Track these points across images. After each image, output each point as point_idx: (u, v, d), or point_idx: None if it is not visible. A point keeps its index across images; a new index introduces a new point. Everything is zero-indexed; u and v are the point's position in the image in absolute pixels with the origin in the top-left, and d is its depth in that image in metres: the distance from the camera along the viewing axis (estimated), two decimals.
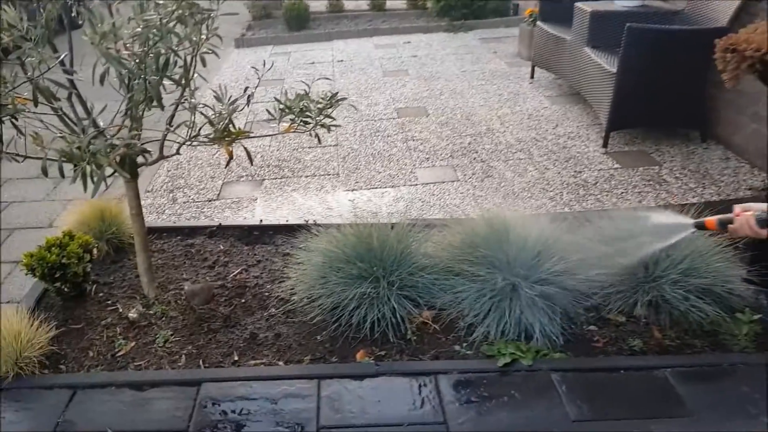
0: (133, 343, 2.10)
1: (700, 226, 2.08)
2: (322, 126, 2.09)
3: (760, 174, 3.64)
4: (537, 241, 2.37)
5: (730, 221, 1.94)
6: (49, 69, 1.53)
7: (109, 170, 1.51)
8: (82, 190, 1.62)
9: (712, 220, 2.03)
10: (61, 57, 1.60)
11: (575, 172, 3.83)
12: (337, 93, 2.12)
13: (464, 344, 2.16)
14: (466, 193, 3.59)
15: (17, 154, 1.72)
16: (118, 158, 1.45)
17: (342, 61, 6.61)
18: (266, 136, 2.06)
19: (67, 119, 1.72)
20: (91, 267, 2.32)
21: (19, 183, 4.02)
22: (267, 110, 2.09)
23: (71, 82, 1.71)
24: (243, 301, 2.35)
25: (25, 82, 1.50)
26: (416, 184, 3.74)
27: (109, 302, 2.31)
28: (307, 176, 3.89)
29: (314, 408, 1.84)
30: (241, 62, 6.87)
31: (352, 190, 3.70)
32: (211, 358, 2.06)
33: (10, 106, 1.53)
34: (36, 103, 1.56)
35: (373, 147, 4.32)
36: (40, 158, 1.65)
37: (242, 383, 1.92)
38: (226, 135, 1.77)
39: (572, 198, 3.51)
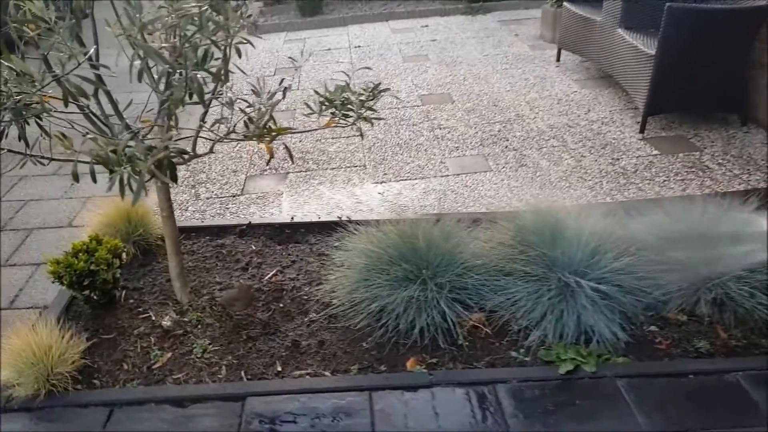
0: (169, 354, 1.98)
1: None
2: (364, 119, 1.94)
3: None
4: (592, 236, 2.22)
5: None
6: (80, 65, 1.38)
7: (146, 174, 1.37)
8: (100, 187, 1.49)
9: None
10: (90, 52, 1.44)
11: (613, 159, 3.65)
12: (379, 84, 1.97)
13: (521, 350, 2.02)
14: (501, 184, 3.43)
15: (42, 156, 1.58)
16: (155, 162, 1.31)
17: (359, 47, 6.41)
18: (308, 131, 1.91)
19: (94, 117, 1.58)
20: (120, 272, 2.20)
21: (36, 180, 3.89)
22: (306, 103, 1.94)
23: (99, 77, 1.56)
24: (281, 305, 2.22)
25: (54, 79, 1.36)
26: (447, 175, 3.59)
27: (141, 309, 2.18)
28: (332, 168, 3.74)
29: (368, 423, 1.71)
30: (255, 50, 6.68)
31: (381, 183, 3.55)
32: (253, 368, 1.94)
33: (36, 106, 1.39)
34: (66, 103, 1.42)
35: (399, 136, 4.15)
36: (69, 160, 1.51)
37: (289, 397, 1.80)
38: (266, 132, 1.62)
39: (613, 187, 3.34)
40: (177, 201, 3.44)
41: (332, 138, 4.13)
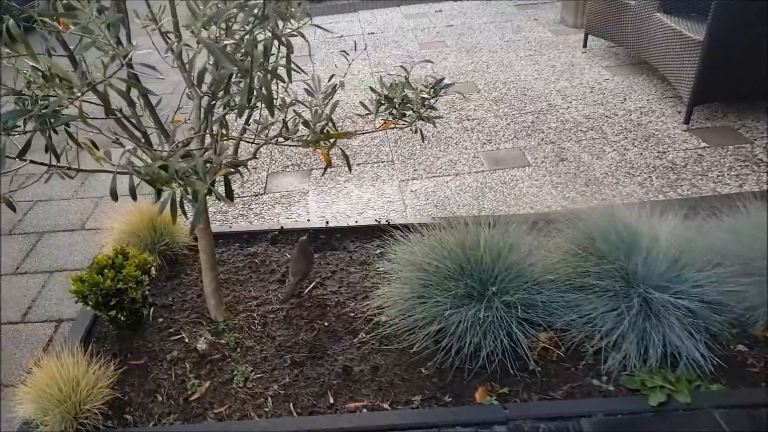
0: (207, 383, 1.77)
1: None
2: (425, 120, 1.71)
3: None
4: (671, 244, 2.00)
5: None
6: (122, 67, 1.15)
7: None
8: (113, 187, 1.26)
9: None
10: (130, 53, 1.20)
11: (659, 152, 3.43)
12: (442, 79, 1.74)
13: (602, 376, 1.81)
14: (543, 181, 3.21)
15: (69, 168, 1.35)
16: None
17: (373, 33, 6.14)
18: (367, 133, 1.68)
19: (128, 123, 1.35)
20: (149, 288, 1.98)
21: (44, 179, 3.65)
22: (362, 103, 1.71)
23: (137, 79, 1.33)
24: (326, 324, 2.00)
25: (92, 86, 1.12)
26: (482, 171, 3.36)
27: (172, 330, 1.96)
28: (359, 164, 3.51)
29: None
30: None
31: (412, 179, 3.32)
32: (302, 400, 1.73)
33: (66, 112, 1.16)
34: (108, 112, 1.18)
35: (425, 129, 3.91)
36: (102, 171, 1.28)
37: None
38: (323, 137, 1.39)
39: (663, 183, 3.12)
40: None
41: (355, 132, 3.88)
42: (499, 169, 3.36)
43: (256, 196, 3.24)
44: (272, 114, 1.17)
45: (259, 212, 3.07)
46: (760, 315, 1.98)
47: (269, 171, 3.51)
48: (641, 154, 3.42)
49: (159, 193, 1.10)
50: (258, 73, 1.12)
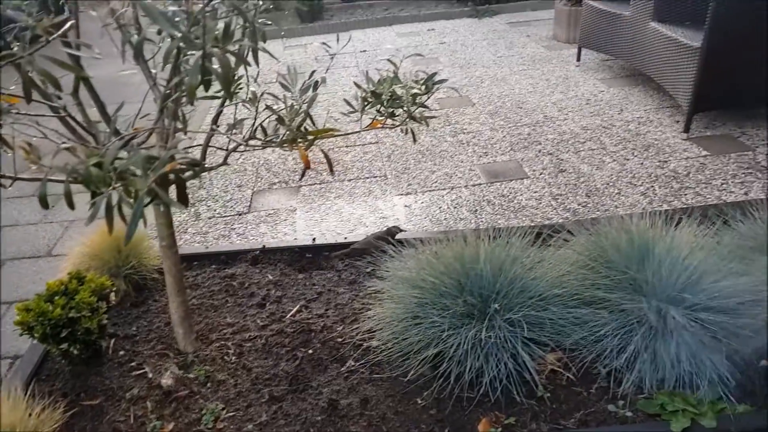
0: (171, 425, 1.54)
1: None
2: (417, 120, 1.54)
3: None
4: (686, 253, 1.82)
5: None
6: (48, 42, 0.97)
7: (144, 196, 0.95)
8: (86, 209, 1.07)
9: None
10: (66, 26, 1.02)
11: (660, 161, 3.28)
12: (435, 74, 1.57)
13: (618, 401, 1.60)
14: (542, 192, 3.04)
15: (2, 176, 1.16)
16: (158, 179, 0.89)
17: (365, 51, 6.03)
18: (352, 133, 1.50)
19: (72, 121, 1.17)
20: (108, 317, 1.76)
21: (11, 203, 3.45)
22: (345, 100, 1.54)
23: (77, 61, 1.14)
24: (310, 351, 1.79)
25: (10, 61, 0.94)
26: (479, 184, 3.19)
27: (134, 363, 1.74)
28: (350, 180, 3.33)
29: None
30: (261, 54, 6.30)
31: (407, 194, 3.14)
32: None
33: None
34: (29, 99, 1.00)
35: (420, 143, 3.76)
36: (37, 179, 1.09)
37: None
38: (301, 136, 1.21)
39: (667, 192, 2.96)
40: (174, 222, 3.01)
41: (346, 146, 3.72)
42: (496, 182, 3.19)
43: (240, 215, 3.05)
44: (230, 97, 0.99)
45: (243, 232, 2.87)
46: None
47: (255, 189, 3.32)
48: (642, 163, 3.27)
49: (93, 195, 0.91)
50: (214, 49, 0.94)
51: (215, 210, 3.12)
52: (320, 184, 3.29)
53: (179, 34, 0.90)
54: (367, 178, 3.34)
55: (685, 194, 2.95)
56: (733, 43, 3.30)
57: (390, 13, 7.21)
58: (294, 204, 3.10)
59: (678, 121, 3.74)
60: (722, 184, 3.03)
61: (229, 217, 3.02)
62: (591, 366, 1.70)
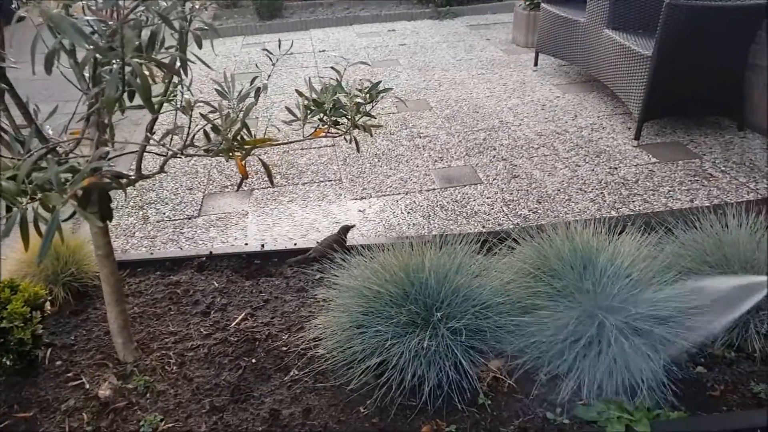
0: None
1: None
2: (360, 129, 1.53)
3: None
4: (628, 262, 1.88)
5: None
6: None
7: (66, 210, 0.92)
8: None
9: None
10: None
11: (610, 168, 3.36)
12: (379, 83, 1.57)
13: (557, 408, 1.64)
14: (495, 198, 3.08)
15: None
16: (80, 191, 0.86)
17: (324, 51, 6.00)
18: (292, 142, 1.48)
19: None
20: (44, 327, 1.70)
21: None
22: (287, 108, 1.52)
23: (2, 72, 1.10)
24: (253, 360, 1.77)
25: None
26: (433, 189, 3.21)
27: (71, 374, 1.69)
28: (304, 183, 3.31)
29: None
30: (211, 54, 6.18)
31: (361, 199, 3.13)
32: None
33: None
34: None
35: (376, 146, 3.76)
36: None
37: None
38: (237, 145, 1.19)
39: (616, 199, 3.04)
40: (121, 226, 2.93)
41: (301, 149, 3.69)
42: (450, 187, 3.22)
43: (189, 219, 2.99)
44: (152, 111, 0.97)
45: (192, 236, 2.82)
46: (718, 333, 1.87)
47: (206, 192, 3.26)
48: (593, 170, 3.34)
49: (9, 209, 0.87)
50: (133, 59, 0.91)
51: (164, 213, 3.05)
52: (273, 187, 3.25)
53: (90, 47, 0.87)
54: (322, 181, 3.32)
55: (633, 201, 3.03)
56: (682, 51, 3.40)
57: (351, 12, 7.19)
58: (246, 208, 3.06)
59: (630, 128, 3.84)
60: (669, 191, 3.12)
61: (178, 221, 2.96)
62: (532, 372, 1.74)
